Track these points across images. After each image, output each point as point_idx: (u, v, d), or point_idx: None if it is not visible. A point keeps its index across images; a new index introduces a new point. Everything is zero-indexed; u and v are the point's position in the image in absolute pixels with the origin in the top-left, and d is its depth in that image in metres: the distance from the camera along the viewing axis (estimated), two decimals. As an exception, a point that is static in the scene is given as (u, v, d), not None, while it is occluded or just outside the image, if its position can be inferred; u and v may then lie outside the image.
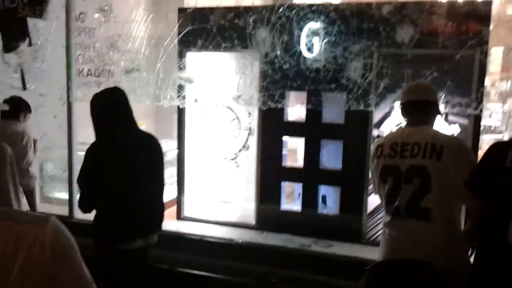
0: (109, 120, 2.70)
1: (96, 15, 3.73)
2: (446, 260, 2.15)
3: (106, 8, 3.67)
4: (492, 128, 4.88)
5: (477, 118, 3.45)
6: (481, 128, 3.61)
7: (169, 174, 5.13)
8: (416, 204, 2.18)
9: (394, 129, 3.48)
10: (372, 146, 2.68)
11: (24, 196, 3.77)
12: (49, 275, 1.02)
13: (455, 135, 2.29)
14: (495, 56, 3.75)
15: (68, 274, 1.07)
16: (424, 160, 2.15)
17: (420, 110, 2.33)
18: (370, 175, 3.75)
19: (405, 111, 2.45)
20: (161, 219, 2.93)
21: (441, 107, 3.40)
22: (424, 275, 2.10)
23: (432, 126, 2.34)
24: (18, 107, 4.05)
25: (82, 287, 1.11)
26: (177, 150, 4.32)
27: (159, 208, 2.93)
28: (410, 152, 2.20)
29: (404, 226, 2.24)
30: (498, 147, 2.08)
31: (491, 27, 3.31)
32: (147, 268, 2.89)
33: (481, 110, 3.39)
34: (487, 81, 3.48)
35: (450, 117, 3.98)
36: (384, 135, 3.10)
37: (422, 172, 2.16)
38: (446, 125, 3.61)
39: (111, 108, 2.71)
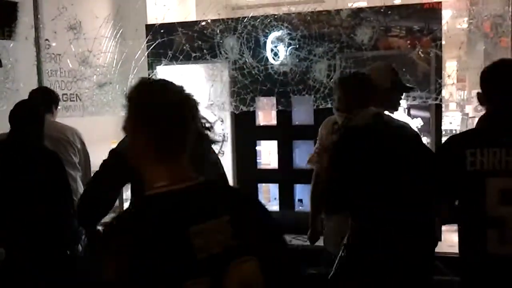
0: None
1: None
2: None
3: (75, 25, 3.74)
4: (453, 132, 5.28)
5: (438, 109, 3.68)
6: (442, 132, 3.87)
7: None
8: None
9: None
10: None
11: None
12: None
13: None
14: (449, 69, 4.22)
15: None
16: None
17: None
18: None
19: None
20: None
21: (403, 102, 3.60)
22: None
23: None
24: (50, 97, 3.01)
25: None
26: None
27: None
28: None
29: None
30: (453, 147, 1.84)
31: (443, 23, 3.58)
32: None
33: (440, 100, 3.61)
34: (444, 72, 3.72)
35: (412, 111, 4.22)
36: None
37: None
38: (409, 119, 3.82)
39: None
